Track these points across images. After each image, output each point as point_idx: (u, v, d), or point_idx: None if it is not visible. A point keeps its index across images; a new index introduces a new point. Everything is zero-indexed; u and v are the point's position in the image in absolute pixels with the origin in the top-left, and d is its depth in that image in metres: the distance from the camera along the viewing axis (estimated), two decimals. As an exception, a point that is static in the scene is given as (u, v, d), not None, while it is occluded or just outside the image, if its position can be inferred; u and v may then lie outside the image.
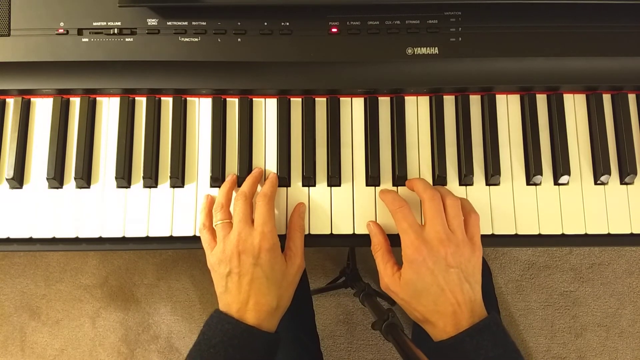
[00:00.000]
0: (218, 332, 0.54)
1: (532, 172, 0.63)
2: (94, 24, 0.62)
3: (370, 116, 0.65)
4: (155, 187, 0.64)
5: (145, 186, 0.64)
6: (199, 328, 1.37)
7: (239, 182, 0.64)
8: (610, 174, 0.63)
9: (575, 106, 0.66)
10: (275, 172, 0.64)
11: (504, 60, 0.63)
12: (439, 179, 0.63)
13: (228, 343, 0.53)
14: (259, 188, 0.62)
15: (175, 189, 0.64)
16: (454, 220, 0.56)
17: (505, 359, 0.51)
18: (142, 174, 0.64)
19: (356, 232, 0.63)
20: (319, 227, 0.63)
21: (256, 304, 0.55)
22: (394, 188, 0.64)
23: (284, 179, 0.64)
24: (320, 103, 0.66)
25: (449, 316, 0.53)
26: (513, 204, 0.63)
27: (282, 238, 0.62)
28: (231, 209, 0.61)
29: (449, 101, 0.66)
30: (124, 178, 0.63)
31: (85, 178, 0.63)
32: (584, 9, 0.63)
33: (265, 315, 0.55)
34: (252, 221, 0.58)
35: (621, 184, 0.64)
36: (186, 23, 0.63)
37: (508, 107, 0.66)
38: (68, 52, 0.62)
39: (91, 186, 0.64)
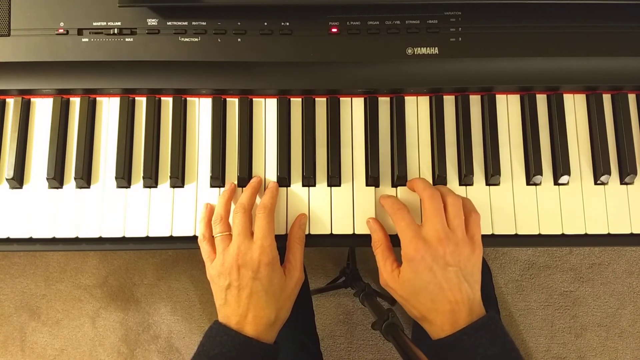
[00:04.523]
0: (217, 344, 0.54)
1: (532, 172, 0.63)
2: (94, 24, 0.62)
3: (370, 116, 0.65)
4: (155, 187, 0.64)
5: (145, 186, 0.64)
6: (199, 328, 1.38)
7: (239, 182, 0.64)
8: (610, 174, 0.63)
9: (575, 106, 0.66)
10: (276, 171, 0.64)
11: (504, 60, 0.63)
12: (439, 179, 0.63)
13: (227, 355, 0.53)
14: (258, 199, 0.62)
15: (175, 189, 0.64)
16: (454, 220, 0.56)
17: (503, 356, 0.51)
18: (142, 174, 0.64)
19: (356, 232, 0.63)
20: (319, 227, 0.63)
21: (255, 317, 0.56)
22: (394, 189, 0.64)
23: (284, 179, 0.64)
24: (320, 103, 0.66)
25: (446, 314, 0.53)
26: (513, 204, 0.63)
27: (281, 239, 0.62)
28: (230, 220, 0.61)
29: (449, 101, 0.66)
30: (124, 178, 0.63)
31: (85, 178, 0.63)
32: (584, 9, 0.63)
33: (264, 328, 0.56)
34: (252, 233, 0.58)
35: (621, 184, 0.64)
36: (186, 23, 0.63)
37: (508, 107, 0.66)
38: (68, 52, 0.62)
39: (91, 186, 0.64)
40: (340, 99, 0.66)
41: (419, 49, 0.62)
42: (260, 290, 0.56)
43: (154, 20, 0.63)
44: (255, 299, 0.56)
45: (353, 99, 0.66)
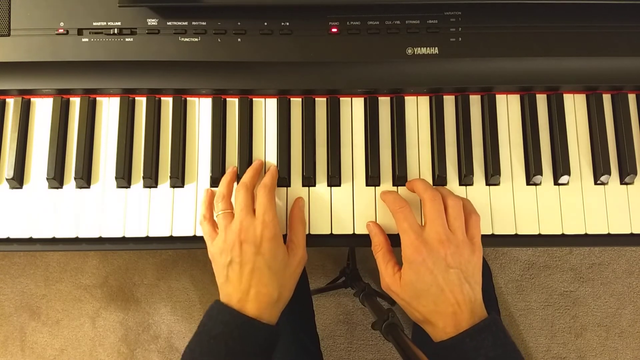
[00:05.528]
0: (218, 323, 0.54)
1: (532, 172, 0.63)
2: (94, 24, 0.62)
3: (370, 116, 0.65)
4: (155, 187, 0.64)
5: (145, 186, 0.64)
6: (199, 328, 1.37)
7: (239, 179, 0.64)
8: (610, 174, 0.63)
9: (575, 106, 0.66)
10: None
11: (504, 60, 0.63)
12: (439, 179, 0.63)
13: (228, 335, 0.53)
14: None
15: (175, 189, 0.64)
16: (455, 221, 0.56)
17: (505, 359, 0.51)
18: (142, 174, 0.64)
19: (356, 232, 0.63)
20: (319, 227, 0.63)
21: (257, 293, 0.55)
22: (394, 188, 0.64)
23: (284, 179, 0.64)
24: (320, 103, 0.66)
25: (449, 316, 0.53)
26: (513, 204, 0.63)
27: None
28: (232, 201, 0.61)
29: (449, 101, 0.66)
30: (124, 178, 0.63)
31: (85, 178, 0.63)
32: (584, 9, 0.63)
33: (266, 306, 0.55)
34: (254, 211, 0.59)
35: (621, 184, 0.64)
36: (186, 23, 0.63)
37: (508, 107, 0.66)
38: (68, 52, 0.62)
39: (91, 186, 0.64)
40: (340, 99, 0.66)
41: (419, 49, 0.62)
42: (263, 265, 0.56)
43: (154, 20, 0.63)
44: (257, 275, 0.55)
45: (353, 99, 0.66)
